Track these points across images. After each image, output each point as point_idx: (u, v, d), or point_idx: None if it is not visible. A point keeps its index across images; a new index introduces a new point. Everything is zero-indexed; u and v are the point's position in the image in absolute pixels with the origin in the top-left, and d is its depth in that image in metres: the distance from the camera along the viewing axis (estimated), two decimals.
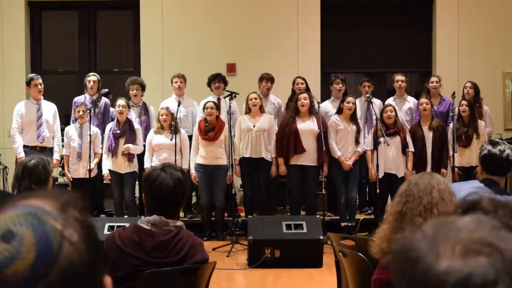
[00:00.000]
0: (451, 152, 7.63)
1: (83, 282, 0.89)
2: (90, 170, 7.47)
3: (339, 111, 7.71)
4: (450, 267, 0.83)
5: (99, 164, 7.73)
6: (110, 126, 7.66)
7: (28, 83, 7.73)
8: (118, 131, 7.54)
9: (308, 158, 7.51)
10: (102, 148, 7.73)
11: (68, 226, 0.91)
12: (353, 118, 7.68)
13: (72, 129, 7.71)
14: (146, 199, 3.01)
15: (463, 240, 0.86)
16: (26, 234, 0.87)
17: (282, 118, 7.86)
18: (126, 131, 7.55)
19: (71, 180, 7.66)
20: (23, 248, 0.86)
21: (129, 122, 7.62)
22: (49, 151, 7.73)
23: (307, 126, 7.52)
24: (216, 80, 8.18)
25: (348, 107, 7.58)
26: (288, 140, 7.52)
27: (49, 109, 7.83)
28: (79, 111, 7.60)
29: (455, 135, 7.51)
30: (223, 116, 7.76)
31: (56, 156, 7.76)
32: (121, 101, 7.58)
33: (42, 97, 7.79)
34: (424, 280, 0.85)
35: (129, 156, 7.55)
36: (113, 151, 7.53)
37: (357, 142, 7.66)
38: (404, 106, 8.30)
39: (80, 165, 7.63)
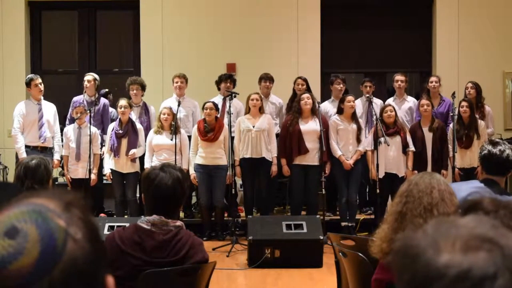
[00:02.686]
0: (451, 153, 7.63)
1: (86, 280, 0.90)
2: (90, 171, 7.47)
3: (340, 111, 7.70)
4: (450, 261, 0.84)
5: (99, 168, 7.74)
6: (112, 126, 7.67)
7: (28, 83, 7.72)
8: (121, 131, 7.55)
9: (311, 158, 7.51)
10: (101, 148, 7.73)
11: (72, 224, 0.91)
12: (353, 117, 7.68)
13: (70, 130, 7.70)
14: (145, 198, 3.01)
15: (463, 236, 0.87)
16: (30, 230, 0.88)
17: (285, 118, 7.85)
18: (129, 131, 7.56)
19: (70, 180, 7.66)
20: (27, 244, 0.87)
21: (131, 122, 7.63)
22: (50, 151, 7.74)
23: (310, 127, 7.52)
24: (228, 81, 8.21)
25: (350, 106, 7.57)
26: (291, 140, 7.52)
27: (50, 109, 7.83)
28: (77, 113, 7.59)
29: (455, 135, 7.50)
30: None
31: (56, 156, 7.77)
32: (123, 102, 7.58)
33: (42, 97, 7.79)
34: (424, 274, 0.86)
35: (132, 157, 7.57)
36: (115, 151, 7.54)
37: (358, 141, 7.66)
38: (404, 106, 8.29)
39: (79, 166, 7.62)
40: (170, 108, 7.62)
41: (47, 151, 7.67)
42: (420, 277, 0.86)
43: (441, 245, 0.86)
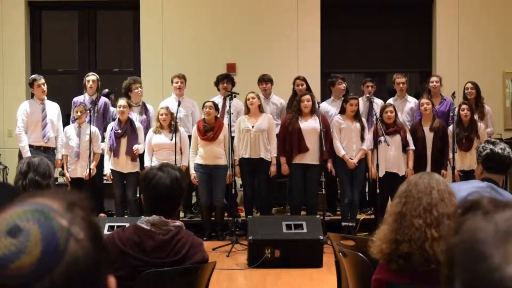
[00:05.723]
0: (451, 154, 7.61)
1: (87, 280, 0.90)
2: (90, 170, 7.46)
3: (342, 111, 7.70)
4: None
5: (98, 165, 7.72)
6: (111, 125, 7.67)
7: (31, 84, 7.74)
8: (120, 131, 7.55)
9: (311, 157, 7.50)
10: (100, 148, 7.73)
11: (74, 224, 0.91)
12: (356, 116, 7.68)
13: (70, 129, 7.71)
14: (144, 198, 3.01)
15: None
16: (33, 229, 0.88)
17: (285, 117, 7.84)
18: (128, 130, 7.56)
19: (70, 180, 7.66)
20: (29, 243, 0.87)
21: (130, 121, 7.63)
22: (53, 151, 7.77)
23: (310, 125, 7.52)
24: (225, 81, 8.21)
25: (352, 109, 7.57)
26: (291, 139, 7.51)
27: (53, 109, 7.85)
28: (77, 112, 7.60)
29: (455, 135, 7.49)
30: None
31: (59, 156, 7.78)
32: (122, 101, 7.58)
33: (45, 97, 7.80)
34: (487, 280, 0.81)
35: (132, 156, 7.56)
36: (114, 151, 7.54)
37: (362, 139, 7.65)
38: (405, 107, 8.29)
39: (78, 165, 7.62)
40: (167, 108, 7.62)
41: (50, 151, 7.69)
42: (480, 280, 0.81)
43: (510, 251, 0.81)
